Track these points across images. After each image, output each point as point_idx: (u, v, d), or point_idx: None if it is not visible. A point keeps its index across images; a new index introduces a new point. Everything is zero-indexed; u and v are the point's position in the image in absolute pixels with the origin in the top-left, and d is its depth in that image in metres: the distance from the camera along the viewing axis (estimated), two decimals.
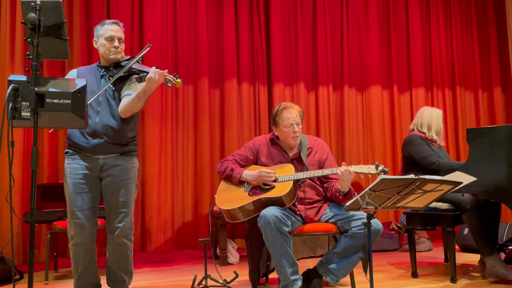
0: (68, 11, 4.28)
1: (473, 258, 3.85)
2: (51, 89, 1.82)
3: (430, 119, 3.49)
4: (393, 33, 5.29)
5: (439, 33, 5.44)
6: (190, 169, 4.56)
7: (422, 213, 3.32)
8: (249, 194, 2.72)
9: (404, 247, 4.52)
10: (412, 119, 5.20)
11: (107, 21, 2.59)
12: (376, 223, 2.55)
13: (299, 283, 2.59)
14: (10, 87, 1.76)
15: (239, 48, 4.79)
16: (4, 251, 3.64)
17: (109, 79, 2.48)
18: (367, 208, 2.17)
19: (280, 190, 2.65)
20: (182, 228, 4.50)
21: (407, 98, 5.32)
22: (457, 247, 4.15)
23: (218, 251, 4.10)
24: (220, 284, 2.95)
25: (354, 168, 2.59)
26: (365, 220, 2.19)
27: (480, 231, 3.10)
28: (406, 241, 4.52)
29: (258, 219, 2.57)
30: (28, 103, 1.79)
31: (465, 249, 4.22)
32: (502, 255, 3.36)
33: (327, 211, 2.79)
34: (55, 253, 3.86)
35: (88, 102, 2.37)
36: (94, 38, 2.57)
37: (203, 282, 2.93)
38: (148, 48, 2.54)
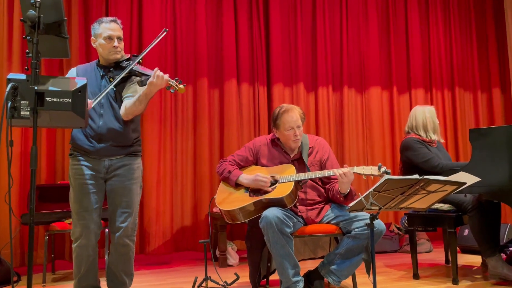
0: (67, 8, 4.23)
1: (474, 260, 3.84)
2: (51, 88, 1.79)
3: (423, 119, 3.40)
4: (392, 34, 5.28)
5: (438, 34, 5.44)
6: (189, 171, 4.53)
7: (423, 214, 3.30)
8: (249, 195, 2.70)
9: (404, 248, 4.51)
10: None
11: (105, 18, 2.51)
12: (379, 224, 2.54)
13: (301, 284, 2.57)
14: (9, 85, 1.73)
15: (238, 48, 4.77)
16: (2, 253, 3.59)
17: (110, 81, 2.45)
18: (370, 209, 2.15)
19: (281, 191, 2.63)
20: (181, 230, 4.47)
21: (406, 99, 5.31)
22: (457, 248, 4.13)
23: (217, 252, 4.07)
24: (221, 286, 2.92)
25: (356, 170, 2.58)
26: (368, 221, 2.17)
27: (482, 231, 3.08)
28: (406, 243, 4.50)
29: (259, 220, 2.55)
30: (27, 102, 1.76)
31: (466, 250, 4.20)
32: (503, 257, 3.34)
33: (329, 212, 2.77)
34: (52, 255, 3.82)
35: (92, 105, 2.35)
36: (92, 37, 2.51)
37: (204, 284, 2.90)
38: (165, 33, 2.49)
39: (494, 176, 2.74)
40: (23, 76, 1.79)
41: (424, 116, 3.41)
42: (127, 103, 2.43)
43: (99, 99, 2.37)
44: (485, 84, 5.63)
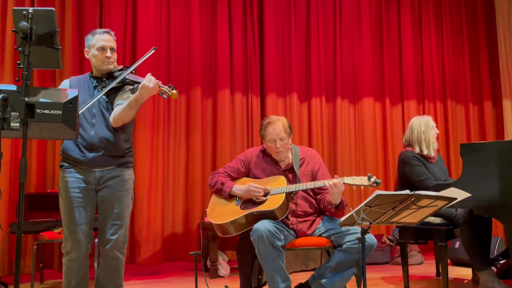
0: (60, 18, 4.22)
1: (465, 272, 3.84)
2: (41, 100, 1.77)
3: (418, 133, 3.34)
4: (385, 45, 5.32)
5: (431, 46, 5.49)
6: (181, 180, 4.51)
7: (414, 227, 3.30)
8: (241, 208, 2.68)
9: (396, 260, 4.51)
10: (404, 131, 5.20)
11: (98, 30, 2.52)
12: (370, 238, 2.53)
13: None
14: (0, 96, 1.71)
15: (232, 58, 4.78)
16: None
17: (102, 90, 2.43)
18: (361, 224, 2.14)
19: (273, 203, 2.62)
20: (172, 240, 4.43)
21: (399, 110, 5.35)
22: (448, 260, 4.14)
23: (208, 263, 4.04)
24: None
25: (347, 180, 2.58)
26: (359, 235, 2.17)
27: (473, 245, 3.09)
28: (397, 254, 4.50)
29: (251, 233, 2.54)
30: (17, 114, 1.74)
31: (457, 263, 4.21)
32: (494, 270, 3.35)
33: (321, 225, 2.76)
34: (41, 264, 3.78)
35: (81, 112, 2.33)
36: (85, 48, 2.51)
37: None
38: (153, 51, 2.49)
39: (485, 191, 2.76)
40: (13, 87, 1.77)
41: (419, 130, 3.36)
42: (116, 109, 2.42)
43: (87, 106, 2.34)
44: (477, 96, 5.68)
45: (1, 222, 3.75)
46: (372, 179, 2.51)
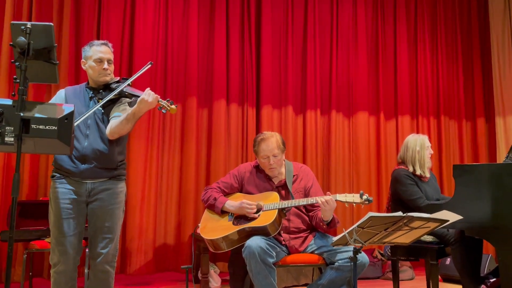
0: (57, 31, 4.19)
1: None
2: (37, 115, 1.76)
3: (413, 152, 3.34)
4: (381, 60, 5.36)
5: (426, 63, 5.54)
6: (174, 190, 4.49)
7: (406, 245, 3.30)
8: (233, 223, 2.68)
9: (387, 275, 4.51)
10: (397, 146, 5.24)
11: (95, 42, 2.52)
12: (362, 256, 2.54)
13: None
14: None
15: (229, 69, 4.79)
16: None
17: (98, 102, 2.43)
18: (354, 244, 2.15)
19: (265, 219, 2.62)
20: (164, 250, 4.41)
21: (393, 125, 5.38)
22: (439, 277, 4.15)
23: (199, 275, 4.02)
24: None
25: (339, 197, 2.59)
26: (351, 254, 2.18)
27: (464, 264, 3.10)
28: (389, 269, 4.51)
29: (242, 250, 2.54)
30: (12, 128, 1.73)
31: (448, 279, 4.22)
32: None
33: (312, 242, 2.77)
34: (30, 273, 3.74)
35: (76, 124, 2.32)
36: (82, 60, 2.51)
37: None
38: (149, 66, 2.49)
39: (476, 213, 2.77)
40: (9, 102, 1.76)
41: (414, 149, 3.36)
42: (113, 121, 2.41)
43: (82, 118, 2.33)
44: (470, 113, 5.73)
45: None
46: (364, 197, 2.52)
